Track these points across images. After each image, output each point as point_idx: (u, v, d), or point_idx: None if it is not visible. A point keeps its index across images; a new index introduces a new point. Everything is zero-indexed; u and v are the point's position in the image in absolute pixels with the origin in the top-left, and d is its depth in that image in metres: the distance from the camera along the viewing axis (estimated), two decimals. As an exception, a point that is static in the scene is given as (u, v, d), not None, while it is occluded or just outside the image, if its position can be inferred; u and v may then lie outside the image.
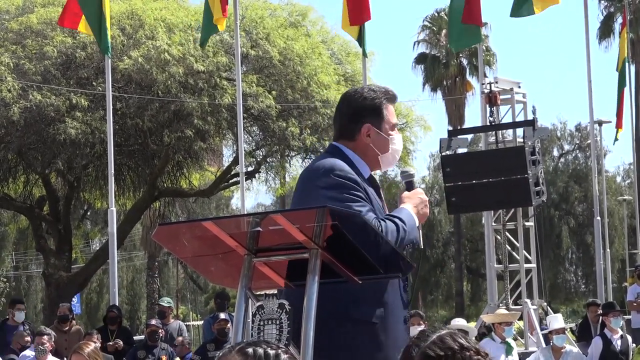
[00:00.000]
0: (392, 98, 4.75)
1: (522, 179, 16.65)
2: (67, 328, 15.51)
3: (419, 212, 4.61)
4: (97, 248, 39.69)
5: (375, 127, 4.68)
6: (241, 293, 4.13)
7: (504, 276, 18.60)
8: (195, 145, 24.18)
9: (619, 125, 25.95)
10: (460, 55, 47.50)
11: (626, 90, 26.19)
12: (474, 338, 12.81)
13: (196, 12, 25.00)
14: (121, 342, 15.20)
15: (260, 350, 2.87)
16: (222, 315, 15.27)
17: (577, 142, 54.04)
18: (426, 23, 49.50)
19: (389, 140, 4.69)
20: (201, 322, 39.38)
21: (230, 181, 27.59)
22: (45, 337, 13.56)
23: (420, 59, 48.75)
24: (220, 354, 2.96)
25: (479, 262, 49.01)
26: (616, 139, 26.43)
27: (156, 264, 46.05)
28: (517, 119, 18.64)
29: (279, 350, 2.89)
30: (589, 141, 39.29)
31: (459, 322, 14.72)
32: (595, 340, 14.64)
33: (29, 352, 13.27)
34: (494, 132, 18.37)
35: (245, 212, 19.32)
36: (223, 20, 17.82)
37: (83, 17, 17.12)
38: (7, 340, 14.91)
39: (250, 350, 2.87)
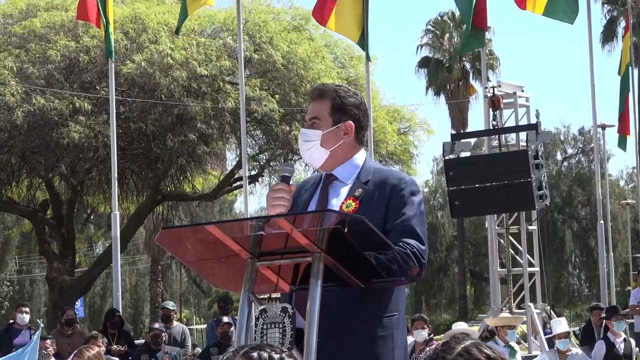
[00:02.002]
0: (310, 94, 4.77)
1: (525, 182, 16.65)
2: (70, 332, 15.53)
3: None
4: (101, 252, 39.73)
5: None
6: (244, 297, 4.13)
7: (507, 280, 18.58)
8: (199, 149, 24.18)
9: (625, 131, 25.70)
10: (464, 59, 47.51)
11: (630, 94, 26.05)
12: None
13: (199, 16, 25.01)
14: (126, 347, 15.23)
15: (265, 355, 2.87)
16: (226, 319, 15.26)
17: (581, 145, 54.03)
18: (429, 27, 49.52)
19: None
20: (204, 326, 39.34)
21: (234, 185, 27.60)
22: (48, 341, 13.85)
23: (424, 62, 48.77)
24: (224, 358, 2.95)
25: (482, 266, 48.96)
26: (624, 145, 26.16)
27: (159, 267, 46.07)
28: (520, 123, 18.65)
29: (283, 354, 2.89)
30: (592, 145, 39.30)
31: (460, 326, 14.72)
32: (598, 343, 14.66)
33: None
34: (497, 136, 18.37)
35: (249, 216, 19.32)
36: None
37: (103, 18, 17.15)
38: (13, 343, 15.03)
39: (254, 354, 2.87)
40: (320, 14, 17.90)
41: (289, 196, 4.52)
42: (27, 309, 15.68)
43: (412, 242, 4.36)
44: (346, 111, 4.67)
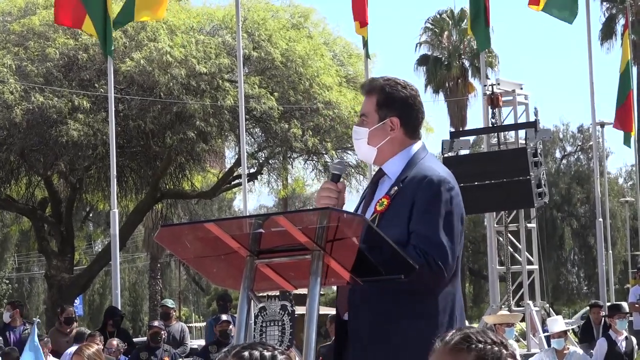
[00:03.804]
0: (361, 90, 4.79)
1: (524, 180, 16.64)
2: (69, 330, 15.55)
3: None
4: (100, 250, 39.68)
5: None
6: (243, 295, 4.12)
7: (506, 278, 18.59)
8: (198, 147, 24.18)
9: (629, 128, 25.63)
10: (463, 56, 47.51)
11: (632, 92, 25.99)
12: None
13: (198, 14, 25.01)
14: (126, 345, 15.22)
15: (257, 353, 2.87)
16: (224, 317, 15.24)
17: (579, 143, 54.05)
18: (428, 25, 49.51)
19: None
20: (203, 324, 39.36)
21: (233, 183, 27.59)
22: (44, 340, 13.97)
23: (423, 60, 48.76)
24: (217, 359, 2.95)
25: (481, 264, 48.99)
26: (629, 142, 26.12)
27: (158, 265, 46.08)
28: (519, 121, 18.64)
29: (275, 352, 2.89)
30: (591, 143, 39.28)
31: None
32: (600, 341, 14.66)
33: (72, 349, 13.48)
34: (496, 133, 18.36)
35: (248, 214, 19.31)
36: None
37: (87, 17, 17.06)
38: (9, 340, 15.21)
39: (246, 353, 2.87)
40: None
41: (335, 194, 4.50)
42: (10, 307, 15.91)
43: (430, 252, 4.31)
44: (392, 107, 4.59)
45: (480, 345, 2.88)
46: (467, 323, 4.51)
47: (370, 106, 4.61)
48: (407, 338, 4.35)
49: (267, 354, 2.87)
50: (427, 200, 4.39)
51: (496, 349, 2.89)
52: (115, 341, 14.27)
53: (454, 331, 2.96)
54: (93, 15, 16.98)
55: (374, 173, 4.73)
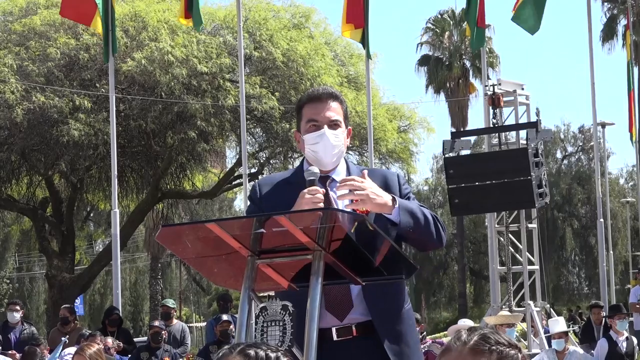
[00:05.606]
0: (312, 97, 4.73)
1: (525, 180, 16.62)
2: (68, 330, 15.56)
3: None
4: (100, 249, 39.72)
5: (298, 129, 4.76)
6: (244, 295, 4.12)
7: (507, 278, 18.57)
8: (199, 147, 24.19)
9: (630, 129, 25.64)
10: (464, 57, 47.52)
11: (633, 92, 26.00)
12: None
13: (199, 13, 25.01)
14: (121, 344, 15.22)
15: (262, 353, 2.86)
16: (225, 317, 15.23)
17: (580, 144, 54.05)
18: (429, 25, 49.53)
19: (304, 140, 4.70)
20: (204, 324, 39.35)
21: (234, 183, 27.62)
22: (42, 346, 14.15)
23: (424, 60, 48.78)
24: (220, 354, 2.94)
25: (482, 264, 48.98)
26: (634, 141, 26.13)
27: (159, 265, 46.08)
28: (520, 121, 18.62)
29: (279, 353, 2.89)
30: (592, 143, 39.28)
31: (465, 322, 14.77)
32: (601, 342, 14.67)
33: (70, 349, 13.51)
34: (497, 134, 18.35)
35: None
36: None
37: (98, 14, 16.98)
38: (10, 339, 15.24)
39: (251, 352, 2.87)
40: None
41: (323, 198, 4.56)
42: (18, 307, 15.84)
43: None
44: (348, 118, 4.84)
45: (501, 348, 2.91)
46: None
47: (340, 114, 4.74)
48: (412, 324, 4.71)
49: (272, 354, 2.88)
50: (408, 191, 4.85)
51: (513, 352, 2.92)
52: (109, 339, 14.29)
53: (466, 330, 2.97)
54: (103, 15, 16.95)
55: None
